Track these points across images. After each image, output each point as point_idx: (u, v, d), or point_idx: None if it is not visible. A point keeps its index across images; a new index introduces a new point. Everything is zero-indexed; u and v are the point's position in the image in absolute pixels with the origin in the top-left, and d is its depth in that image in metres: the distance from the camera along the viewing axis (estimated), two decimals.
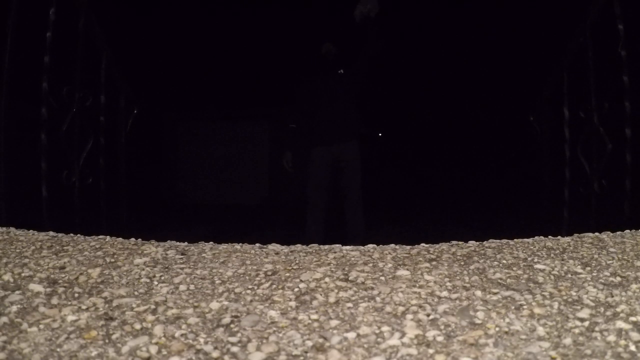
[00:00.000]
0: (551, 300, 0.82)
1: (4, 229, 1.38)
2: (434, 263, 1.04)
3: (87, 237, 1.32)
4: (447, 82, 7.86)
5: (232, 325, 0.76)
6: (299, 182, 3.85)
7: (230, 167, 8.67)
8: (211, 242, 1.26)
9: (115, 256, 1.11)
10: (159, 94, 7.26)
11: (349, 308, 0.81)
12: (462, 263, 1.03)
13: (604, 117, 1.94)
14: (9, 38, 1.75)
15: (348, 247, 1.20)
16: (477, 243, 1.21)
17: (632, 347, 0.65)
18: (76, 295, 0.88)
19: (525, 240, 1.24)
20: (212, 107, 8.47)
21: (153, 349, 0.68)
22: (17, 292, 0.89)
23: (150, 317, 0.78)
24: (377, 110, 7.48)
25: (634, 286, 0.87)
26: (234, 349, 0.69)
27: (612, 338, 0.68)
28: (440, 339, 0.70)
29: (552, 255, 1.08)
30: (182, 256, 1.12)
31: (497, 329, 0.72)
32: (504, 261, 1.04)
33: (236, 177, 8.63)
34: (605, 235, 1.26)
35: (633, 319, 0.73)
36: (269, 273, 0.99)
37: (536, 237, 1.28)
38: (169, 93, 7.72)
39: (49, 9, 1.84)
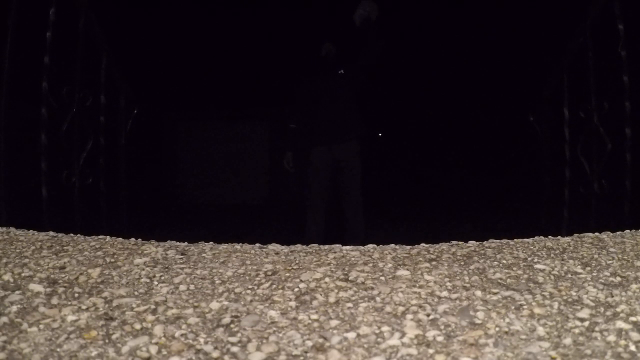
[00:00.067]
0: (551, 300, 0.82)
1: (4, 229, 1.38)
2: (434, 263, 1.04)
3: (87, 237, 1.32)
4: (447, 82, 7.87)
5: (232, 325, 0.76)
6: (299, 182, 3.85)
7: (230, 167, 8.66)
8: (211, 242, 1.26)
9: (115, 256, 1.11)
10: (159, 94, 7.26)
11: (349, 308, 0.81)
12: (462, 263, 1.03)
13: (604, 117, 1.94)
14: (9, 38, 1.75)
15: (348, 247, 1.20)
16: (477, 243, 1.21)
17: (632, 347, 0.65)
18: (76, 295, 0.88)
19: (525, 240, 1.24)
20: (212, 107, 8.47)
21: (153, 349, 0.68)
22: (17, 292, 0.89)
23: (150, 317, 0.78)
24: (377, 110, 7.47)
25: (634, 286, 0.87)
26: (234, 349, 0.69)
27: (612, 338, 0.68)
28: (440, 339, 0.70)
29: (552, 255, 1.08)
30: (182, 256, 1.12)
31: (497, 329, 0.72)
32: (504, 261, 1.04)
33: (236, 177, 8.62)
34: (605, 235, 1.26)
35: (633, 319, 0.73)
36: (269, 273, 0.99)
37: (536, 237, 1.28)
38: (169, 93, 7.72)
39: (49, 9, 1.84)
